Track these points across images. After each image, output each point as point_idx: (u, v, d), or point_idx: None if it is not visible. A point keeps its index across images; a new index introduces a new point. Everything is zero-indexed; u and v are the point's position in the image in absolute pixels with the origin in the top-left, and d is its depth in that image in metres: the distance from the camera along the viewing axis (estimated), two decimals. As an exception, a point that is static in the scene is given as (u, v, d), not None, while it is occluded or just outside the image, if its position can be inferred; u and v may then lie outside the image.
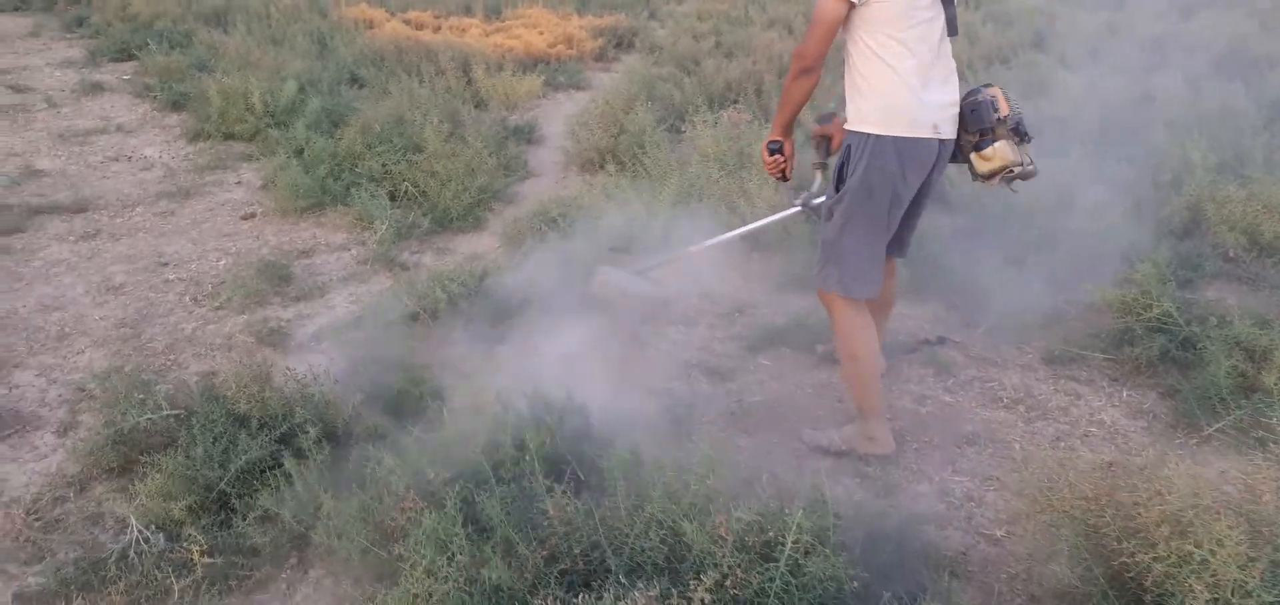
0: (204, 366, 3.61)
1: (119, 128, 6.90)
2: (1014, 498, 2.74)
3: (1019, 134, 2.84)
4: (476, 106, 7.46)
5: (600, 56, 10.05)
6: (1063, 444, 3.11)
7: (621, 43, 10.66)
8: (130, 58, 9.08)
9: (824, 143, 3.21)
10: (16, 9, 12.06)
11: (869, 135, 2.77)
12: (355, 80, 8.01)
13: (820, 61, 2.79)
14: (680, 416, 3.25)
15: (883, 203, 2.81)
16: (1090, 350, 3.64)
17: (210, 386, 3.06)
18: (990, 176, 2.87)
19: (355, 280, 4.44)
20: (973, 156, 2.87)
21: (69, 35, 10.52)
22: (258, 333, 3.86)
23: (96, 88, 8.00)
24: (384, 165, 5.53)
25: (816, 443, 3.09)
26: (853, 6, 2.72)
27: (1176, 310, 3.56)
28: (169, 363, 3.65)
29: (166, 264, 4.59)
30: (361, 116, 6.14)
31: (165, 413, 2.92)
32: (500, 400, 2.73)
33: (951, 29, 2.82)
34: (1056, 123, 6.56)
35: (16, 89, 7.90)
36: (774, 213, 3.82)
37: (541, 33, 10.12)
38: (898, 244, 3.09)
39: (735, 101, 7.21)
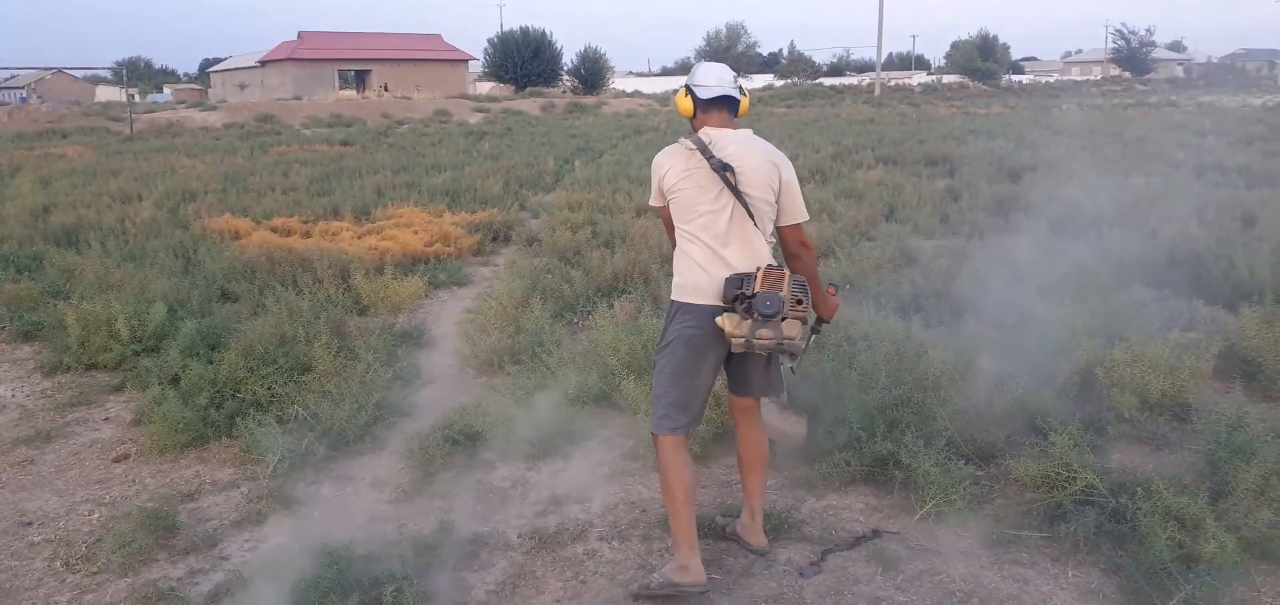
0: (84, 647, 3.17)
1: (-39, 366, 6.30)
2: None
3: (757, 312, 3.21)
4: (360, 313, 7.24)
5: (478, 251, 10.01)
6: (1024, 635, 3.07)
7: (498, 237, 10.68)
8: (-29, 286, 8.41)
9: None
10: None
11: (672, 302, 3.43)
12: (226, 295, 7.66)
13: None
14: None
15: (679, 355, 3.35)
16: (1025, 530, 3.67)
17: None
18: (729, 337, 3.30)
19: (249, 523, 4.07)
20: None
21: (-105, 264, 9.71)
22: (146, 599, 3.44)
23: (-69, 322, 7.34)
24: (270, 389, 5.21)
25: (644, 586, 3.39)
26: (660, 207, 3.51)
27: (1099, 480, 3.65)
28: (41, 647, 3.19)
29: (30, 524, 4.10)
30: (242, 337, 5.81)
31: (50, 720, 2.51)
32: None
33: (749, 212, 3.33)
34: (931, 293, 6.87)
35: None
36: None
37: (416, 232, 10.02)
38: (743, 384, 3.52)
39: (625, 291, 7.26)
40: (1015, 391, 4.55)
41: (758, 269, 3.27)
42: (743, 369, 3.49)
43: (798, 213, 3.41)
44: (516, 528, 3.95)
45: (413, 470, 4.50)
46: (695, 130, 3.45)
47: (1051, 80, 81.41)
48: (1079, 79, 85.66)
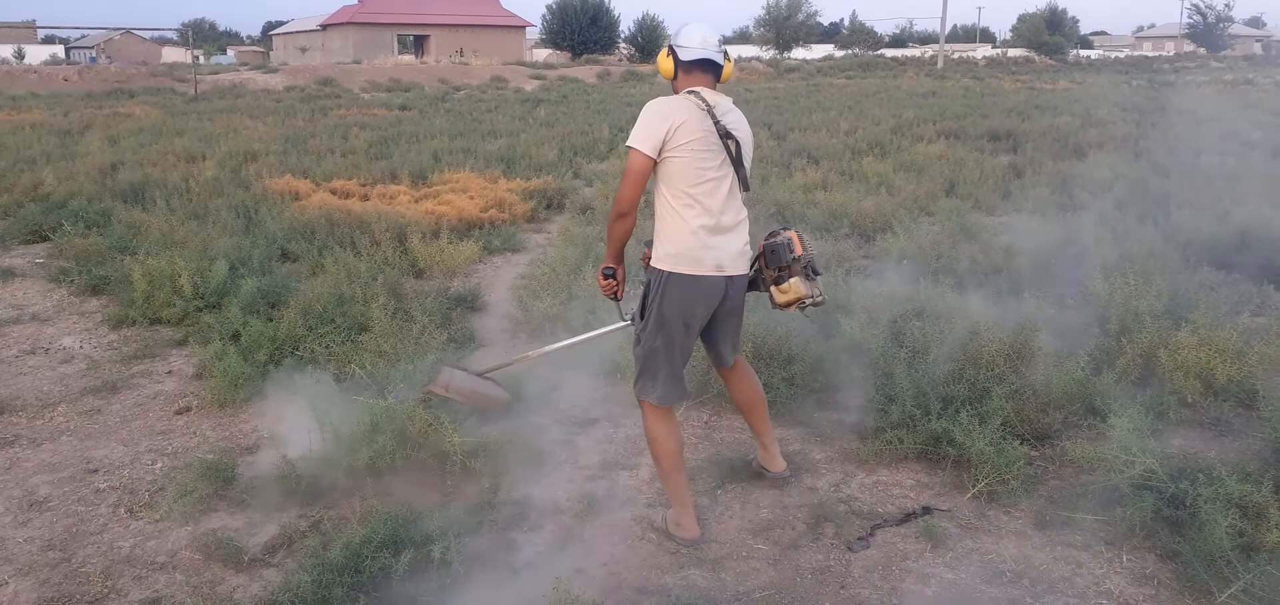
0: (145, 593, 3.27)
1: (34, 317, 6.52)
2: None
3: (811, 271, 3.42)
4: (416, 276, 7.32)
5: (532, 218, 10.06)
6: (1076, 619, 3.01)
7: (551, 204, 10.72)
8: (43, 240, 8.69)
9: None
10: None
11: (662, 273, 3.32)
12: (286, 255, 7.81)
13: (634, 206, 3.32)
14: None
15: (675, 327, 3.33)
16: (1080, 512, 3.59)
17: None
18: (787, 306, 3.47)
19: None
20: (772, 289, 3.47)
21: (-28, 217, 10.06)
22: (205, 547, 3.53)
23: (6, 274, 7.59)
24: (328, 347, 5.30)
25: (652, 523, 3.64)
26: (654, 162, 3.22)
27: (1158, 465, 3.55)
28: (106, 591, 3.29)
29: (96, 471, 4.23)
30: (301, 296, 5.92)
31: (114, 659, 2.60)
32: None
33: (744, 186, 3.38)
34: (989, 269, 6.74)
35: (-83, 278, 7.44)
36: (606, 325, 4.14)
37: (472, 197, 10.10)
38: (717, 356, 3.69)
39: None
40: (1074, 372, 4.44)
41: (787, 232, 3.47)
42: (720, 340, 3.61)
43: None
44: (566, 492, 3.98)
45: (464, 432, 4.54)
46: (677, 93, 3.36)
47: (1122, 56, 79.09)
48: (1151, 54, 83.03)
